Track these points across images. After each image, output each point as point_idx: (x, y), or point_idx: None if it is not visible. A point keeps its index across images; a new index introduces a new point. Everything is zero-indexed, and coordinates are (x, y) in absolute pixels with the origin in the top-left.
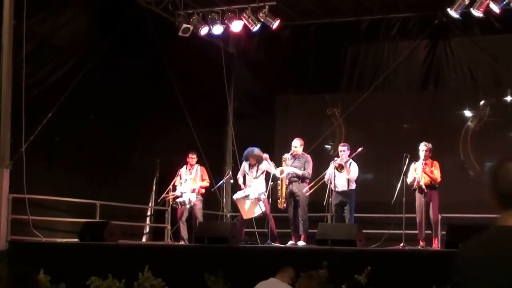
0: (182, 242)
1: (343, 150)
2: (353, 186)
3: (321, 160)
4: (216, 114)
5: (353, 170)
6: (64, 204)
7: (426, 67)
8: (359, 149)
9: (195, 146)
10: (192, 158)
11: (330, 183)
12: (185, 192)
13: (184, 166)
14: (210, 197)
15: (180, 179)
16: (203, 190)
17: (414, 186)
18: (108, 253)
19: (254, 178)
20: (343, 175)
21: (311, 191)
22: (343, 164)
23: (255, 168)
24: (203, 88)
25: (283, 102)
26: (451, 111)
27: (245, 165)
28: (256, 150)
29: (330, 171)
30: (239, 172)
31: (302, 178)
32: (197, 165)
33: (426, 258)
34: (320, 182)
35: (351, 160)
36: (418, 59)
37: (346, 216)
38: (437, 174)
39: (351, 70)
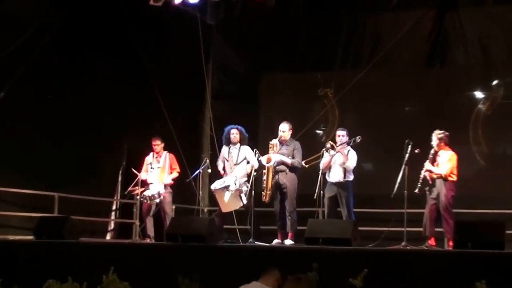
0: (148, 241)
1: (342, 135)
2: (350, 176)
3: (311, 147)
4: (192, 94)
5: (351, 158)
6: (16, 197)
7: (431, 42)
8: (358, 138)
9: (168, 130)
10: (156, 145)
11: (325, 172)
12: (152, 183)
13: (151, 153)
14: (184, 189)
15: (148, 167)
16: (172, 182)
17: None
18: (68, 252)
19: (235, 164)
20: (337, 163)
21: (307, 165)
22: (336, 146)
23: (237, 152)
24: (177, 65)
25: (269, 80)
26: (460, 92)
27: (224, 150)
28: (240, 127)
29: (325, 161)
30: (219, 158)
31: (290, 168)
32: (165, 152)
33: (431, 259)
34: (318, 161)
35: (349, 148)
36: (423, 33)
37: (343, 211)
38: (443, 169)
39: (347, 44)
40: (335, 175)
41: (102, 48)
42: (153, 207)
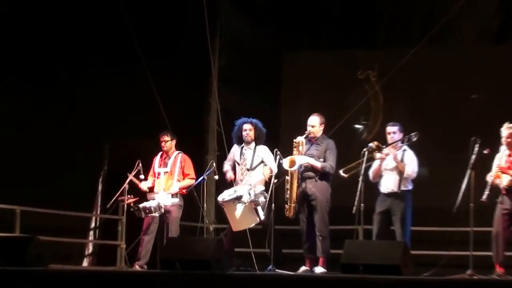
0: (137, 267)
1: (393, 131)
2: (408, 185)
3: (348, 147)
4: (193, 79)
5: (410, 162)
6: None
7: (503, 12)
8: (414, 135)
9: (163, 127)
10: (165, 141)
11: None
12: (156, 193)
13: (159, 154)
14: (184, 202)
15: (153, 172)
16: (184, 191)
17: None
18: (34, 282)
19: (249, 169)
20: (389, 168)
21: (346, 175)
22: (383, 146)
23: (251, 153)
24: (175, 41)
25: (293, 61)
26: None
27: (235, 149)
28: (255, 121)
29: (374, 167)
30: (227, 159)
31: (321, 174)
32: (176, 152)
33: None
34: (359, 169)
35: (405, 147)
36: (491, 1)
37: (396, 230)
38: None
39: (394, 16)
40: (387, 184)
41: (81, 21)
42: (154, 225)
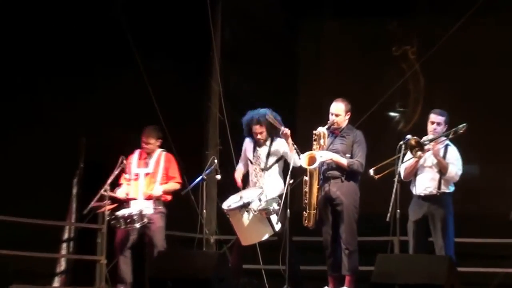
0: None
1: (438, 122)
2: (450, 187)
3: (380, 141)
4: (189, 55)
5: (455, 163)
6: None
7: None
8: (462, 127)
9: (152, 115)
10: (148, 143)
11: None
12: (135, 199)
13: (136, 152)
14: (179, 207)
15: (129, 174)
16: (168, 197)
17: None
18: None
19: (263, 169)
20: (427, 165)
21: (377, 176)
22: (424, 142)
23: (266, 150)
24: (166, 9)
25: (312, 32)
26: None
27: (247, 145)
28: (270, 112)
29: (408, 164)
30: (240, 159)
31: (348, 173)
32: (159, 150)
33: None
34: (392, 169)
35: (447, 142)
36: None
37: (436, 241)
38: None
39: None
40: (424, 184)
41: None
42: (132, 237)
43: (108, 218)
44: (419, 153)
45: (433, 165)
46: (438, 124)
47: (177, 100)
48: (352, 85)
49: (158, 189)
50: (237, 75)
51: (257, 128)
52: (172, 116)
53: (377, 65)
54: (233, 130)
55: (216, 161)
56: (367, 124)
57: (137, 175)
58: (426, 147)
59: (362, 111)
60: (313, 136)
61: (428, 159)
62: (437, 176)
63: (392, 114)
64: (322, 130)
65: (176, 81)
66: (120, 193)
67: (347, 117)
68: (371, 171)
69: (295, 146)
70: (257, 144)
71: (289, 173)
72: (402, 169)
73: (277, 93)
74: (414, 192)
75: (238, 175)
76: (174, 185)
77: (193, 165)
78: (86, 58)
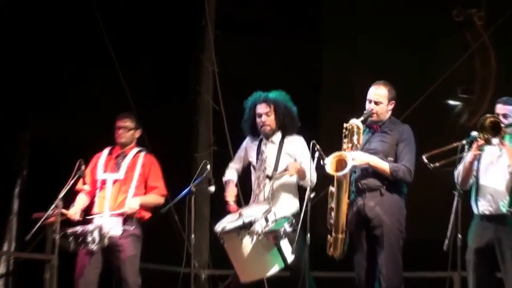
0: None
1: (504, 114)
2: None
3: (435, 139)
4: (175, 24)
5: None
6: None
7: None
8: None
9: (122, 106)
10: (125, 128)
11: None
12: (99, 214)
13: (105, 151)
14: (159, 230)
15: (91, 181)
16: (146, 215)
17: None
18: None
19: (270, 177)
20: (493, 168)
21: (432, 165)
22: (493, 137)
23: (274, 150)
24: None
25: None
26: None
27: (249, 145)
28: (276, 96)
29: (466, 164)
30: (233, 160)
31: (390, 183)
32: (136, 149)
33: None
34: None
35: None
36: None
37: (506, 277)
38: None
39: None
40: (491, 199)
41: None
42: (95, 264)
43: (59, 237)
44: (495, 140)
45: (501, 169)
46: (505, 116)
47: (158, 84)
48: (395, 62)
49: (132, 202)
50: (238, 50)
51: (261, 109)
52: (151, 108)
53: (430, 35)
54: (232, 124)
55: (208, 167)
56: (417, 116)
57: (103, 182)
58: (495, 141)
59: (411, 99)
60: (343, 131)
61: (498, 160)
62: (508, 185)
63: (452, 103)
64: (355, 122)
65: (157, 59)
66: (73, 211)
67: (391, 106)
68: (424, 157)
69: (318, 147)
70: (262, 140)
71: (309, 183)
72: (455, 172)
73: (293, 73)
74: (475, 209)
75: (231, 190)
76: (156, 198)
77: (178, 173)
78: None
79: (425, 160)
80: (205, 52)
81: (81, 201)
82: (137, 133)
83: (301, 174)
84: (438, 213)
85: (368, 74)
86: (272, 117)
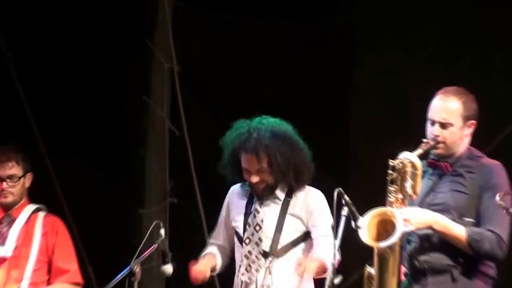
0: None
1: None
2: None
3: None
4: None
5: None
6: None
7: None
8: None
9: (24, 127)
10: (8, 177)
11: None
12: None
13: None
14: None
15: None
16: None
17: None
18: None
19: (268, 254)
20: None
21: None
22: None
23: (276, 211)
24: None
25: None
26: None
27: (234, 199)
28: (269, 132)
29: None
30: (215, 229)
31: (469, 260)
32: (31, 207)
33: None
34: None
35: None
36: None
37: None
38: None
39: None
40: None
41: None
42: None
43: None
44: None
45: None
46: None
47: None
48: (467, 58)
49: None
50: (210, 35)
51: (249, 162)
52: (71, 131)
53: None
54: (201, 156)
55: (162, 231)
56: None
57: None
58: None
59: (499, 120)
60: (390, 172)
61: None
62: None
63: None
64: (410, 158)
65: (90, 50)
66: None
67: (469, 130)
68: None
69: (347, 198)
70: (254, 197)
71: (332, 260)
72: None
73: (296, 70)
74: None
75: (207, 259)
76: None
77: (112, 243)
78: None
79: None
80: (157, 38)
81: None
82: (28, 181)
83: (321, 271)
84: None
85: (437, 84)
86: (267, 173)
